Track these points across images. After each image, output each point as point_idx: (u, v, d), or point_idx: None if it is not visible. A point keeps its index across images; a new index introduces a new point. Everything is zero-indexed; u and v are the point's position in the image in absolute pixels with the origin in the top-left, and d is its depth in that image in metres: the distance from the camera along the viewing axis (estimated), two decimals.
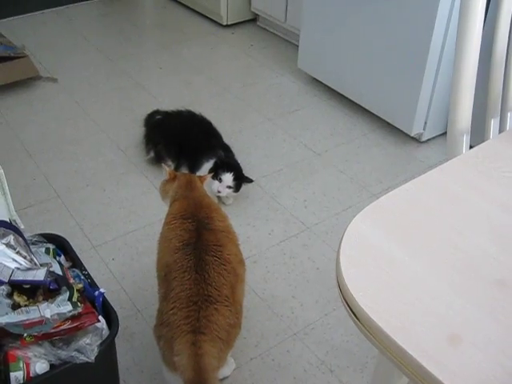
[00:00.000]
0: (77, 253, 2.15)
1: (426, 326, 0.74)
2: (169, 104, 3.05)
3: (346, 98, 3.07)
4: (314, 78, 3.27)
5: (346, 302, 0.81)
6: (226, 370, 1.79)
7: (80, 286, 1.43)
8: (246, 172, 2.54)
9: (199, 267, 1.56)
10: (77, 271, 1.50)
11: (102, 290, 1.41)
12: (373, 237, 0.89)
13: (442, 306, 0.77)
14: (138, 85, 3.30)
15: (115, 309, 1.97)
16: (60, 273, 1.41)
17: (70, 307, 1.32)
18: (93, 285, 1.46)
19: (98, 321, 1.34)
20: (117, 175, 2.60)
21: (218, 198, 2.44)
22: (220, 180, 2.36)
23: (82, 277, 1.47)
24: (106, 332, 1.36)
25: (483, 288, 0.80)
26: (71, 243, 2.21)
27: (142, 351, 1.87)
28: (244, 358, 1.85)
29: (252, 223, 2.37)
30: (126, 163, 2.68)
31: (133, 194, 2.49)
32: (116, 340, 1.89)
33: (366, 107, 2.96)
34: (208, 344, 1.46)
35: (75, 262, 1.53)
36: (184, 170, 2.55)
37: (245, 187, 2.46)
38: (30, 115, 2.99)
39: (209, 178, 1.98)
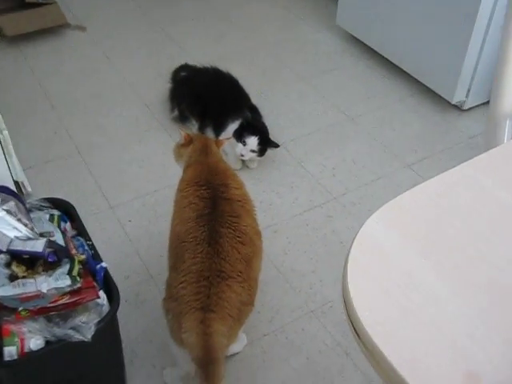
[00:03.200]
0: (93, 213, 2.12)
1: (440, 359, 0.64)
2: (199, 58, 2.91)
3: (385, 58, 2.89)
4: (353, 36, 3.08)
5: (350, 319, 0.70)
6: (237, 345, 1.72)
7: (82, 257, 1.36)
8: (274, 134, 2.42)
9: (213, 240, 1.47)
10: (81, 240, 1.43)
11: (103, 265, 1.33)
12: (388, 244, 0.78)
13: (461, 336, 0.66)
14: (168, 37, 3.17)
15: (128, 273, 1.94)
16: (62, 243, 1.34)
17: (68, 281, 1.25)
18: (96, 257, 1.39)
19: (98, 297, 1.27)
20: (140, 132, 2.51)
21: (242, 161, 2.34)
22: (244, 143, 2.24)
23: (86, 247, 1.40)
24: (106, 308, 1.29)
25: None
26: (88, 202, 2.18)
27: (152, 320, 1.81)
28: (256, 333, 1.78)
29: (276, 190, 2.27)
30: (149, 120, 2.58)
31: (155, 153, 2.40)
32: (126, 307, 1.85)
33: (406, 70, 2.78)
34: (218, 323, 1.39)
35: (81, 231, 1.46)
36: (208, 131, 2.44)
37: (271, 151, 2.35)
38: (55, 65, 2.91)
39: (227, 142, 1.86)
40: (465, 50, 2.39)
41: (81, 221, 1.48)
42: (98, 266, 1.33)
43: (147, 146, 2.44)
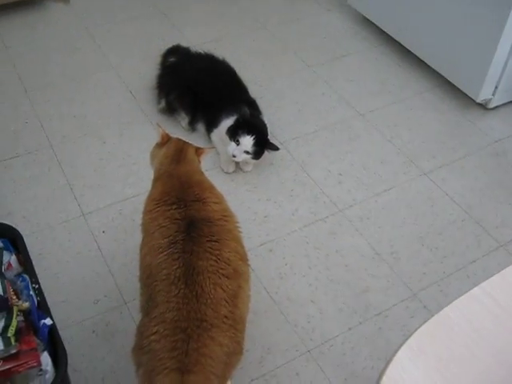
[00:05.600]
0: (62, 221, 1.85)
1: None
2: (194, 39, 2.62)
3: (402, 46, 2.57)
4: (366, 18, 2.76)
5: None
6: None
7: (25, 305, 1.09)
8: (274, 131, 2.13)
9: (190, 278, 1.21)
10: (27, 280, 1.15)
11: (47, 322, 1.06)
12: None
13: None
14: (160, 13, 2.84)
15: (98, 296, 1.68)
16: None
17: (0, 345, 0.98)
18: (42, 306, 1.11)
19: (39, 364, 1.00)
20: (121, 124, 2.22)
21: (236, 163, 2.05)
22: (237, 142, 1.95)
23: (31, 291, 1.12)
24: (50, 376, 1.02)
25: None
26: (57, 208, 1.91)
27: (123, 356, 1.54)
28: (243, 377, 1.51)
29: (273, 198, 1.98)
30: (134, 110, 2.28)
31: (137, 150, 2.11)
32: (94, 338, 1.59)
33: (425, 60, 2.46)
34: None
35: (27, 267, 1.18)
36: (200, 126, 2.15)
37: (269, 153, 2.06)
38: (32, 41, 2.60)
39: (209, 152, 1.55)
40: (496, 44, 2.07)
41: (28, 255, 1.20)
42: (42, 323, 1.05)
43: (129, 141, 2.15)
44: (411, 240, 1.86)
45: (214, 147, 1.82)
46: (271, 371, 1.53)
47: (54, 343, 1.07)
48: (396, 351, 0.53)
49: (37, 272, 1.69)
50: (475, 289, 0.57)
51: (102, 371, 1.52)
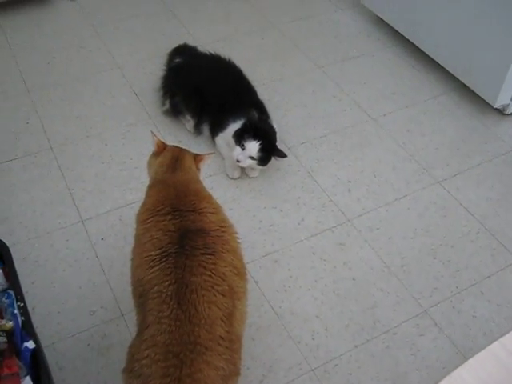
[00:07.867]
0: (59, 227, 1.79)
1: None
2: (201, 38, 2.55)
3: (417, 47, 2.48)
4: (380, 18, 2.67)
5: None
6: None
7: (9, 325, 1.02)
8: (281, 135, 2.06)
9: (183, 297, 1.14)
10: (12, 297, 1.08)
11: (29, 345, 0.99)
12: None
13: None
14: (168, 11, 2.77)
15: (95, 307, 1.62)
16: None
17: None
18: (26, 327, 1.04)
19: None
20: (124, 126, 2.15)
21: (241, 168, 1.98)
22: (243, 147, 1.87)
23: (16, 310, 1.06)
24: None
25: None
26: (55, 213, 1.85)
27: (119, 372, 1.47)
28: None
29: (279, 206, 1.91)
30: (137, 111, 2.21)
31: (139, 153, 2.04)
32: (88, 352, 1.53)
33: (441, 63, 2.37)
34: None
35: (13, 282, 1.12)
36: (205, 129, 2.08)
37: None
38: (37, 39, 2.54)
39: (209, 159, 1.47)
40: None
41: (15, 270, 1.13)
42: (24, 346, 0.99)
43: (131, 144, 2.08)
44: (422, 252, 1.78)
45: (213, 153, 1.75)
46: None
47: (37, 367, 1.00)
48: None
49: (32, 280, 1.66)
50: (494, 344, 0.50)
51: None
